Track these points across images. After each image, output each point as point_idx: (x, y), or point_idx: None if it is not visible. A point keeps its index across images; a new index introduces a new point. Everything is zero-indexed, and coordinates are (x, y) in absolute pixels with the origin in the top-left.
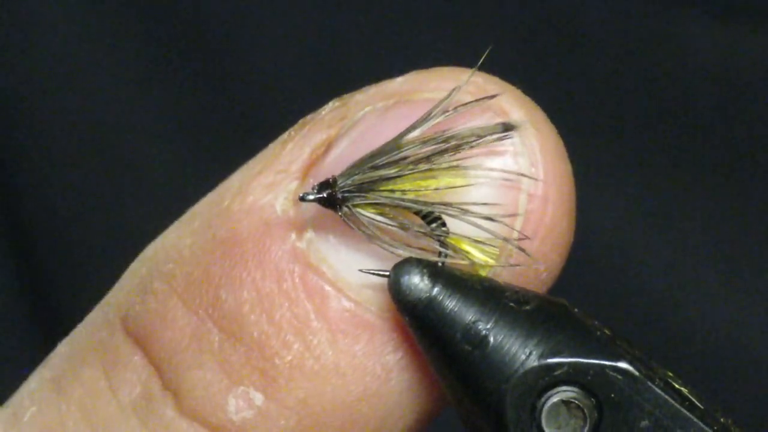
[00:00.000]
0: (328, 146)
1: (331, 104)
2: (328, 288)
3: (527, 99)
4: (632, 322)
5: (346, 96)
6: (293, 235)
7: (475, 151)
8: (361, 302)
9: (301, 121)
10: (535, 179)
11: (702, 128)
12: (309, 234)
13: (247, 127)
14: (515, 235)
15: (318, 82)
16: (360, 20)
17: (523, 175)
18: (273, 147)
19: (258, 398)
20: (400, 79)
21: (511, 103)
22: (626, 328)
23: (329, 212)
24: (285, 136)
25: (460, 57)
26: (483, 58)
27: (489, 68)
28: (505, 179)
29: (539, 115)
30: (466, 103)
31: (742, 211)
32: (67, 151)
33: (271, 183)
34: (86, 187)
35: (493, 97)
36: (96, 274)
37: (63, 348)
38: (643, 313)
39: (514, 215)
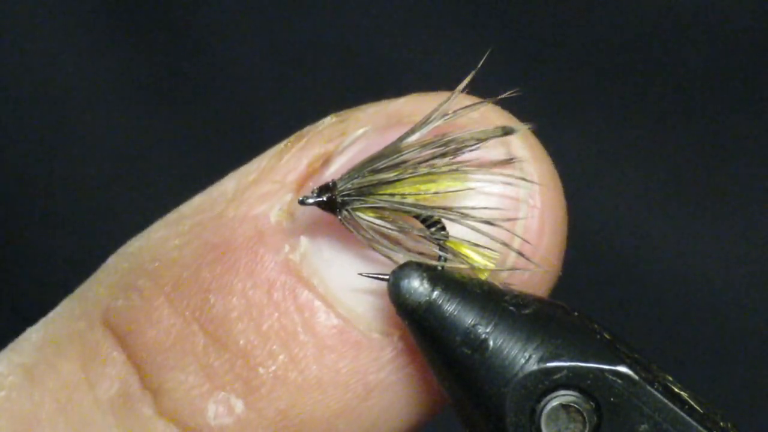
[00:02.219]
0: (326, 161)
1: (329, 119)
2: (317, 302)
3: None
4: (581, 255)
5: (345, 112)
6: (287, 247)
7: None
8: (350, 319)
9: (297, 133)
10: (530, 181)
11: (657, 76)
12: (303, 247)
13: (204, 89)
14: (515, 238)
15: (269, 49)
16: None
17: (521, 178)
18: (269, 156)
19: (238, 406)
20: (401, 100)
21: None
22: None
23: (324, 226)
24: (282, 146)
25: (438, 69)
26: (483, 58)
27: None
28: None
29: (538, 149)
30: (467, 106)
31: (692, 145)
32: (18, 117)
33: (266, 193)
34: (39, 155)
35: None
36: (50, 243)
37: (34, 335)
38: (593, 246)
39: (513, 219)
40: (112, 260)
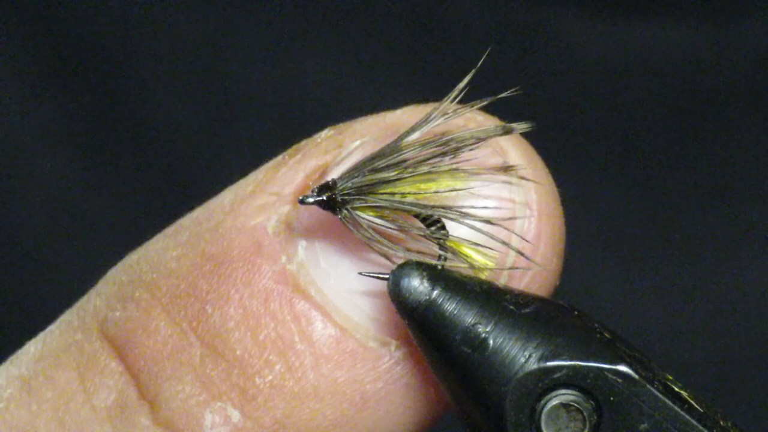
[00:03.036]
0: (323, 173)
1: (326, 131)
2: (314, 312)
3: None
4: None
5: (342, 125)
6: (284, 257)
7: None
8: (347, 328)
9: (295, 146)
10: (530, 179)
11: (587, 117)
12: (300, 257)
13: (138, 140)
14: (514, 237)
15: (201, 100)
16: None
17: (520, 176)
18: (266, 169)
19: (235, 415)
20: (398, 112)
21: (509, 143)
22: None
23: (322, 236)
24: (279, 159)
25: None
26: (482, 59)
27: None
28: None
29: (539, 163)
30: (467, 105)
31: (633, 202)
32: None
33: (263, 204)
34: None
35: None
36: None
37: (32, 348)
38: None
39: (513, 218)
40: (111, 273)
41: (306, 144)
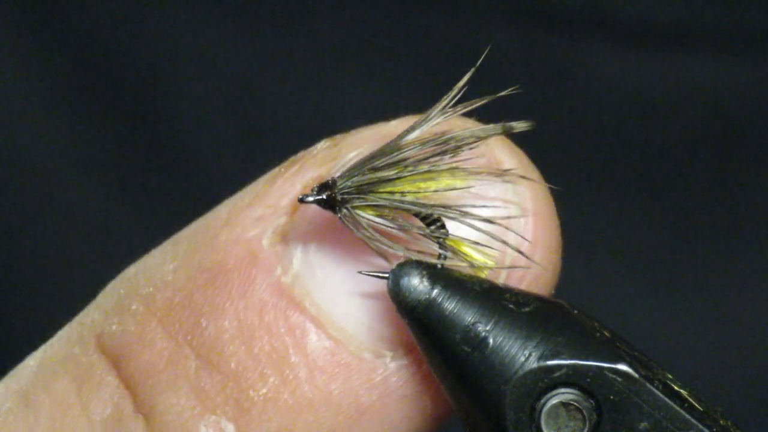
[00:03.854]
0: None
1: (322, 143)
2: (309, 324)
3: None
4: None
5: (338, 136)
6: (279, 269)
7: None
8: (341, 340)
9: (291, 159)
10: (528, 178)
11: (620, 150)
12: (295, 268)
13: (166, 158)
14: (513, 236)
15: (229, 119)
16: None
17: (516, 174)
18: (262, 182)
19: (229, 428)
20: (393, 123)
21: (501, 149)
22: None
23: (317, 248)
24: (275, 171)
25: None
26: (482, 58)
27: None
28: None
29: (529, 166)
30: (466, 104)
31: (667, 232)
32: None
33: (260, 217)
34: (6, 220)
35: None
36: (19, 303)
37: (32, 361)
38: None
39: (512, 217)
40: (110, 286)
41: (302, 156)
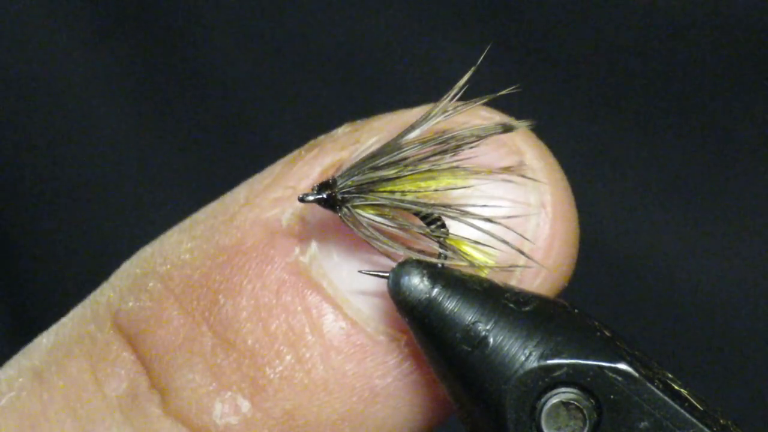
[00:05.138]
0: (339, 168)
1: (343, 128)
2: (325, 304)
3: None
4: (588, 264)
5: (359, 121)
6: (297, 249)
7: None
8: (357, 322)
9: (311, 142)
10: (538, 180)
11: (649, 69)
12: (313, 250)
13: (197, 88)
14: (512, 236)
15: (261, 50)
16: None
17: (525, 176)
18: (282, 164)
19: (245, 405)
20: (415, 110)
21: (525, 142)
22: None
23: (335, 230)
24: (295, 153)
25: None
26: (482, 57)
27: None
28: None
29: (552, 161)
30: (466, 103)
31: (692, 148)
32: (14, 114)
33: (279, 198)
34: (34, 151)
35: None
36: (65, 247)
37: (45, 339)
38: (600, 255)
39: (514, 216)
40: (124, 266)
41: (323, 139)
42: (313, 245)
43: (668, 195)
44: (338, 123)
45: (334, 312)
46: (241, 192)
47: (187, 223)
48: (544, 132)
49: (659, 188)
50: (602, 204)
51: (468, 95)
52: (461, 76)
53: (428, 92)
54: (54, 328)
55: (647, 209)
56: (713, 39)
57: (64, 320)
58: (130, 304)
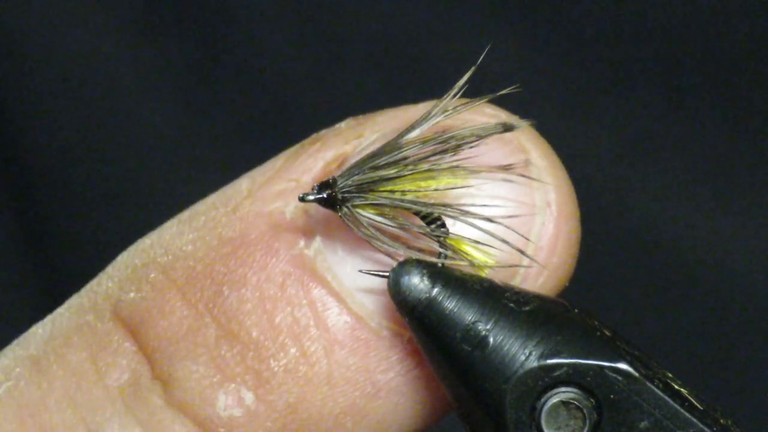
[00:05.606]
0: (342, 162)
1: (346, 122)
2: (330, 298)
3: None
4: (619, 248)
5: (362, 116)
6: (301, 242)
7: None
8: (362, 316)
9: (314, 135)
10: (541, 181)
11: (678, 53)
12: (317, 243)
13: (240, 81)
14: (513, 236)
15: (303, 41)
16: None
17: (525, 176)
18: (284, 156)
19: (248, 397)
20: (420, 106)
21: (529, 140)
22: (615, 255)
23: (339, 224)
24: (298, 147)
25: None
26: (482, 56)
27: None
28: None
29: (556, 160)
30: (466, 103)
31: (728, 130)
32: (64, 106)
33: (282, 190)
34: (82, 142)
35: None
36: (95, 225)
37: (40, 330)
38: (631, 239)
39: (515, 216)
40: (122, 257)
41: (326, 133)
42: (318, 239)
43: (703, 174)
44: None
45: (338, 306)
46: (243, 184)
47: (186, 214)
48: (575, 119)
49: (694, 167)
50: (635, 190)
51: (501, 84)
52: (497, 70)
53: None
54: (49, 318)
55: (680, 195)
56: (752, 20)
57: (60, 310)
58: (131, 294)
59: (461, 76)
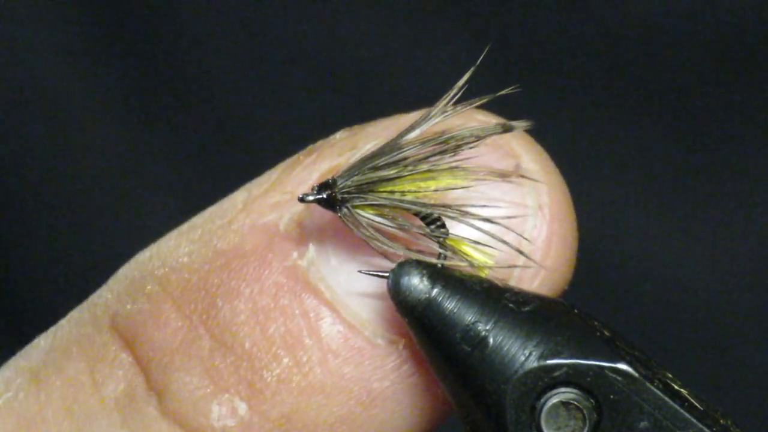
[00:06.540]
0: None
1: (341, 133)
2: (323, 308)
3: (534, 142)
4: (599, 279)
5: (356, 126)
6: (295, 254)
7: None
8: (355, 325)
9: (309, 147)
10: (537, 180)
11: (632, 73)
12: (311, 254)
13: (185, 95)
14: (520, 237)
15: (247, 56)
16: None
17: (524, 176)
18: (280, 168)
19: (242, 408)
20: (412, 115)
21: (521, 145)
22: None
23: (333, 235)
24: (293, 159)
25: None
26: (482, 56)
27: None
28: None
29: (548, 163)
30: (465, 103)
31: (674, 149)
32: (9, 127)
33: (277, 203)
34: (27, 162)
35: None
36: (60, 254)
37: (42, 341)
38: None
39: (513, 216)
40: (123, 270)
41: (321, 145)
42: (311, 249)
43: (645, 187)
44: (329, 128)
45: (331, 315)
46: (239, 196)
47: (185, 227)
48: (537, 134)
49: (650, 191)
50: (594, 207)
51: (462, 98)
52: (451, 80)
53: (420, 97)
54: (52, 330)
55: (638, 212)
56: (693, 34)
57: (62, 322)
58: (128, 306)
59: (411, 91)
